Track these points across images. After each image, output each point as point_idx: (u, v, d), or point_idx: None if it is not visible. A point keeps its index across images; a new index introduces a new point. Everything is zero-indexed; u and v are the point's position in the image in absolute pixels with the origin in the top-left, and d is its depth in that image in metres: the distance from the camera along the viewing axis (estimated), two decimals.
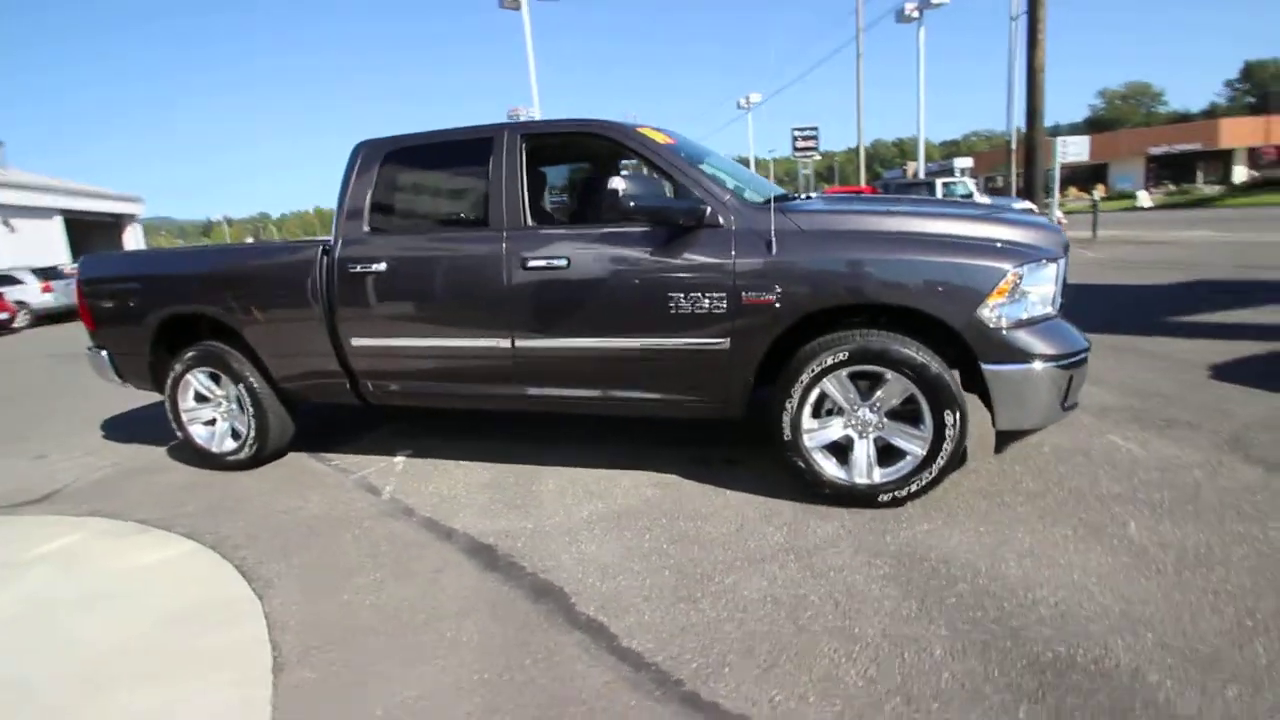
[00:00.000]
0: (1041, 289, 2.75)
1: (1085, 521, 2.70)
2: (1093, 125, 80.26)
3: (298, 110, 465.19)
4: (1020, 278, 2.67)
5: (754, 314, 2.88)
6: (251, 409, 3.90)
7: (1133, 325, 6.15)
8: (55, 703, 2.09)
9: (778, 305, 2.84)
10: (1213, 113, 77.74)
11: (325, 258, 3.58)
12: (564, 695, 1.96)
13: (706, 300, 2.93)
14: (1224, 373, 4.54)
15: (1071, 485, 3.02)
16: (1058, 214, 17.19)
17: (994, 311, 2.66)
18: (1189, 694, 1.79)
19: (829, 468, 2.93)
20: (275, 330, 3.76)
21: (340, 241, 3.56)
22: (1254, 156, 42.62)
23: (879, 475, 2.88)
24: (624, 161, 4.65)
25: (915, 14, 23.76)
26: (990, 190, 30.90)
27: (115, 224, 32.94)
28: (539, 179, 3.84)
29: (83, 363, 8.52)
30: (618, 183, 2.78)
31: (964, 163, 38.48)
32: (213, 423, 4.14)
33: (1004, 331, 2.67)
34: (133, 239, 33.65)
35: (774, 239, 2.84)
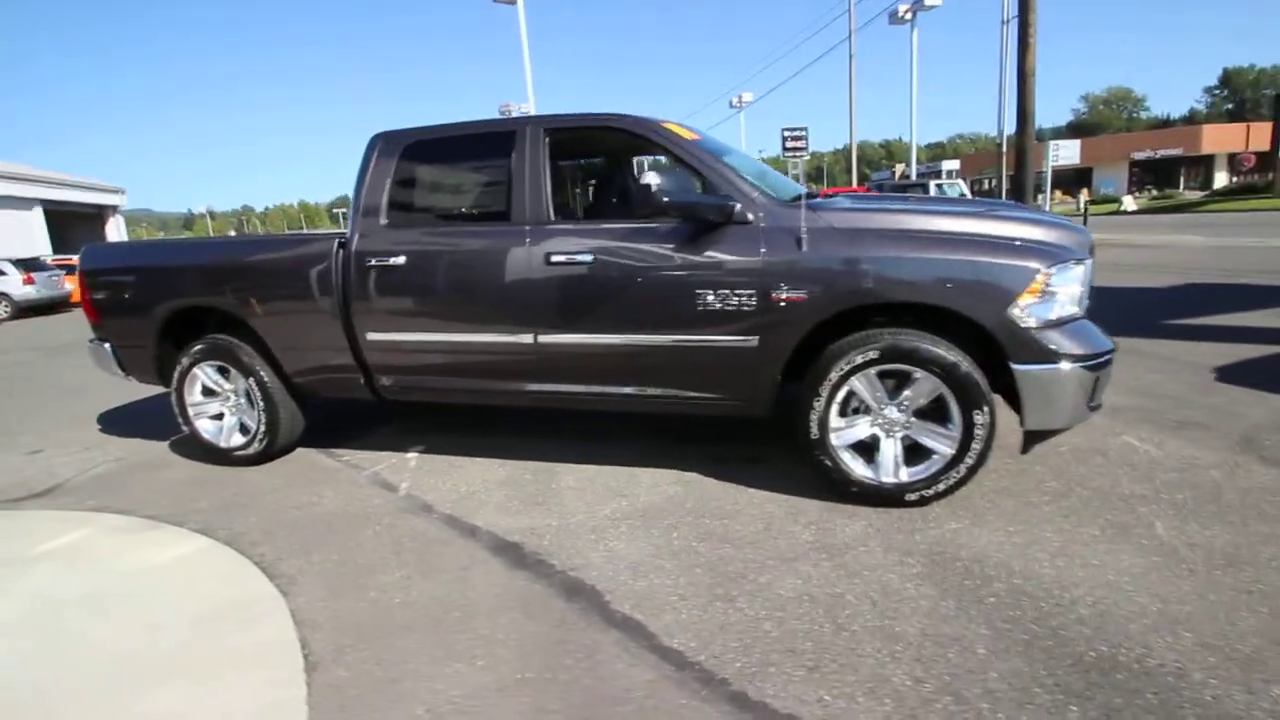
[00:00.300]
0: (1070, 289, 2.76)
1: (1112, 522, 2.71)
2: (1075, 129, 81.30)
3: (282, 105, 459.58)
4: (1050, 278, 2.68)
5: (783, 311, 2.87)
6: (262, 403, 3.83)
7: (1134, 327, 6.22)
8: (83, 703, 2.04)
9: (808, 303, 2.83)
10: (1193, 118, 79.17)
11: (341, 250, 3.52)
12: (610, 695, 1.93)
13: (735, 297, 2.91)
14: (1229, 375, 4.60)
15: (1094, 485, 3.04)
16: None
17: (1024, 311, 2.66)
18: (1235, 693, 1.80)
19: (856, 467, 2.92)
20: (288, 324, 3.69)
21: (357, 234, 3.50)
22: (1234, 162, 43.37)
23: (906, 474, 2.88)
24: (638, 158, 4.63)
25: (909, 16, 23.92)
26: (978, 193, 31.15)
27: (97, 215, 32.41)
28: (561, 173, 3.80)
29: (72, 356, 8.33)
30: (651, 177, 2.76)
31: (951, 165, 38.84)
32: (220, 417, 4.07)
33: (1034, 331, 2.67)
34: (115, 231, 33.12)
35: (804, 236, 2.83)
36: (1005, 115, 19.39)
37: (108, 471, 4.17)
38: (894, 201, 3.47)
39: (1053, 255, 2.73)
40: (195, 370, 3.95)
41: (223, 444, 4.02)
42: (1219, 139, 44.32)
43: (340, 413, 4.89)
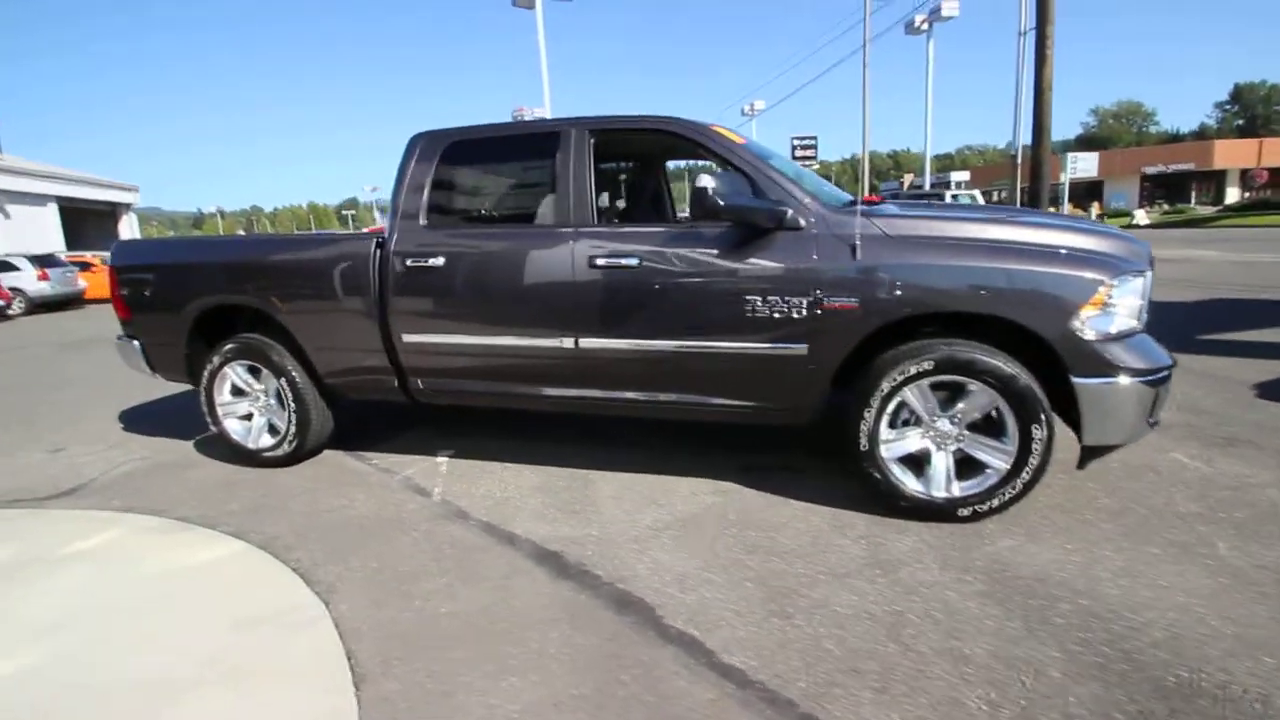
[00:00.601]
0: (1130, 302, 2.70)
1: (1173, 541, 2.64)
2: (1084, 143, 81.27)
3: (286, 105, 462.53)
4: (1113, 290, 2.62)
5: (835, 320, 2.81)
6: (293, 404, 3.78)
7: (1165, 341, 6.06)
8: (129, 710, 1.98)
9: (861, 311, 2.77)
10: (1203, 133, 78.94)
11: (379, 250, 3.48)
12: (672, 713, 1.87)
13: (785, 304, 2.85)
14: (1270, 391, 4.52)
15: (1149, 503, 2.96)
16: None
17: (1086, 323, 2.60)
18: None
19: (907, 481, 2.85)
20: (323, 324, 3.65)
21: (396, 234, 3.46)
22: (1246, 178, 43.19)
23: (958, 489, 2.82)
24: (671, 163, 4.59)
25: (925, 26, 23.90)
26: (990, 204, 31.02)
27: (111, 213, 32.56)
28: (604, 175, 3.76)
29: (89, 352, 8.31)
30: (708, 181, 2.70)
31: (961, 176, 38.74)
32: (249, 417, 4.02)
33: (1095, 344, 2.61)
34: (128, 228, 33.26)
35: (859, 243, 2.77)
36: (1020, 126, 19.30)
37: (134, 470, 4.12)
38: (945, 209, 3.41)
39: (1114, 267, 2.67)
40: (226, 369, 3.91)
41: (251, 445, 3.97)
42: (1231, 154, 44.12)
43: (364, 414, 4.84)
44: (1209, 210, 39.32)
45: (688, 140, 3.15)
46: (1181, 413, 4.15)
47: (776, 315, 2.87)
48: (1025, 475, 2.70)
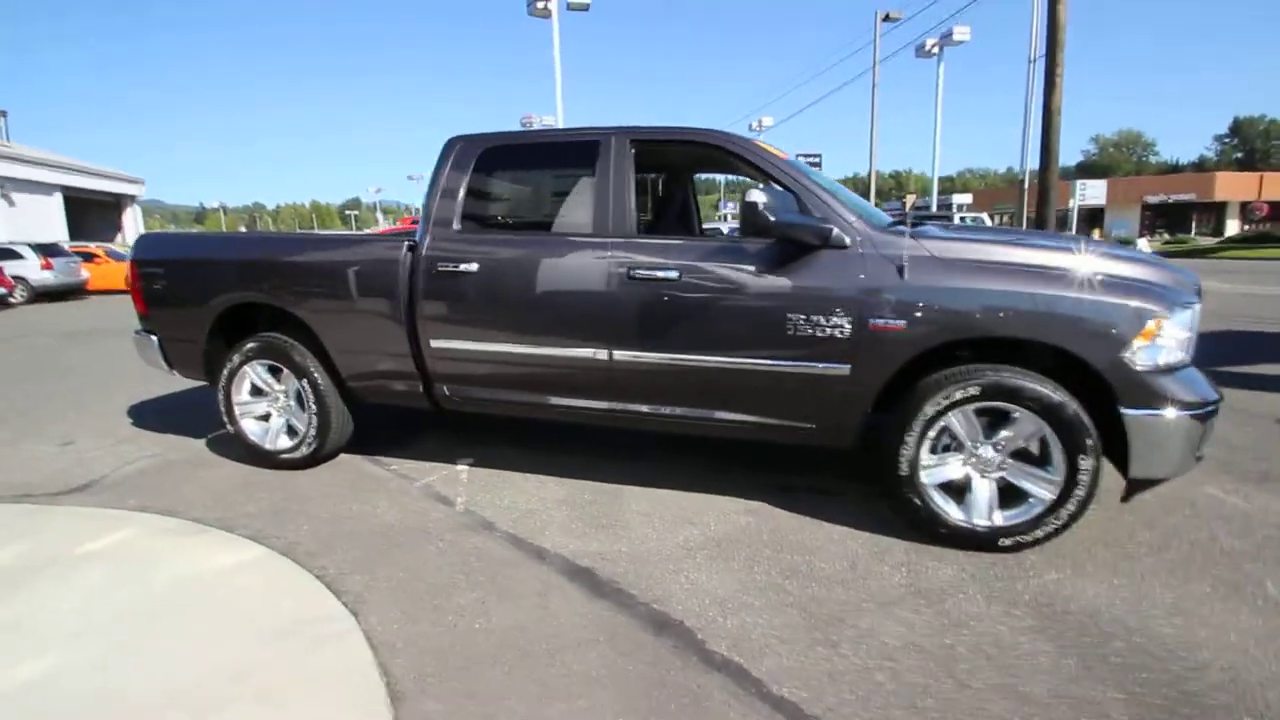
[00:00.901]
0: (1180, 334, 2.66)
1: (1221, 579, 2.58)
2: (1085, 170, 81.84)
3: (288, 104, 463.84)
4: (1164, 321, 2.58)
5: (880, 341, 2.76)
6: (314, 406, 3.71)
7: None
8: None
9: (908, 334, 2.72)
10: (1202, 165, 79.72)
11: (411, 254, 3.42)
12: None
13: (828, 323, 2.81)
14: None
15: (1191, 538, 2.91)
16: None
17: (1138, 354, 2.56)
18: None
19: (949, 508, 2.80)
20: (349, 326, 3.58)
21: (428, 238, 3.40)
22: (1246, 210, 43.51)
23: (1001, 518, 2.76)
24: (697, 176, 4.54)
25: (935, 50, 24.08)
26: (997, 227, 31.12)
27: (115, 204, 32.48)
28: (643, 186, 3.71)
29: (93, 343, 8.22)
30: (757, 196, 2.66)
31: (963, 198, 38.88)
32: (266, 418, 3.95)
33: (1145, 375, 2.57)
34: (132, 221, 33.16)
35: (906, 265, 2.73)
36: (1028, 151, 19.44)
37: (146, 468, 4.04)
38: (991, 232, 3.38)
39: (1166, 298, 2.63)
40: (246, 369, 3.84)
41: (268, 445, 3.89)
42: (1232, 186, 44.51)
43: (381, 419, 4.77)
44: (1209, 241, 39.52)
45: (731, 154, 3.12)
46: (1209, 446, 4.10)
47: (819, 334, 2.82)
48: (1071, 507, 2.65)
